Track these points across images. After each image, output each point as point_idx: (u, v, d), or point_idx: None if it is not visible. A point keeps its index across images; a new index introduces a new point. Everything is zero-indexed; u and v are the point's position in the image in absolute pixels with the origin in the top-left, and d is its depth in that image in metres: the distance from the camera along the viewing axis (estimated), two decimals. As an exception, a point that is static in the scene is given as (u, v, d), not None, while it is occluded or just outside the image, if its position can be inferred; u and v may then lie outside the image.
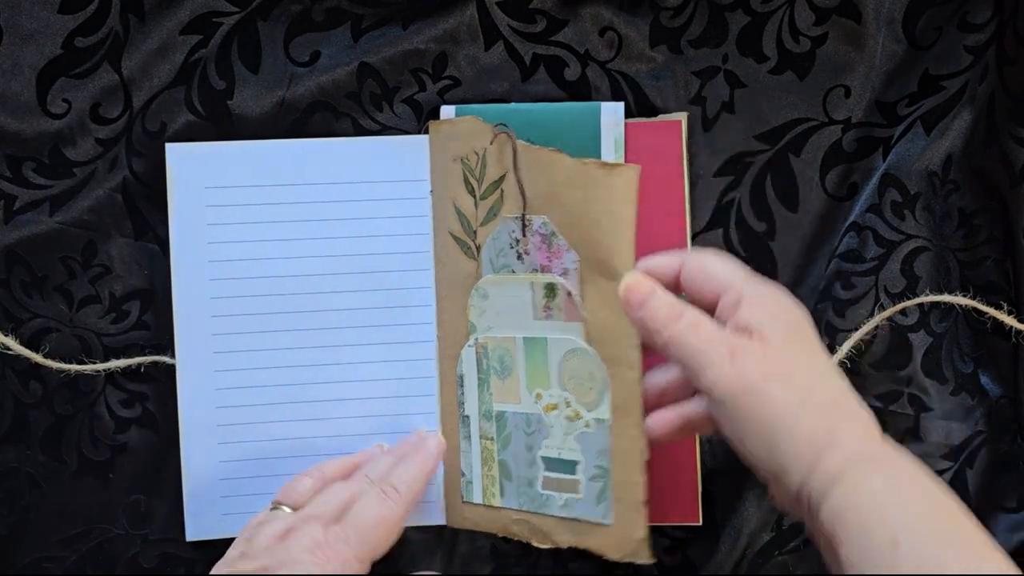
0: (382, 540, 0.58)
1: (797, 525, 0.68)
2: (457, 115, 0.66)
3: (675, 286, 0.55)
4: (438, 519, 0.68)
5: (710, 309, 0.53)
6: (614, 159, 0.65)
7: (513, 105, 0.67)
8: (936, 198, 0.67)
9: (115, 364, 0.67)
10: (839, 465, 0.47)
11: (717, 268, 0.54)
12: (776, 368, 0.49)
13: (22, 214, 0.67)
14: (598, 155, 0.65)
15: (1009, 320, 0.65)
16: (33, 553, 0.68)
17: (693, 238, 0.67)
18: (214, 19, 0.67)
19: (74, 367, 0.67)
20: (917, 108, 0.67)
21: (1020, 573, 0.44)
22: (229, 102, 0.67)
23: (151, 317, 0.68)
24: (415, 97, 0.68)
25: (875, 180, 0.67)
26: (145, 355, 0.68)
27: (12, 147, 0.67)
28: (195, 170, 0.67)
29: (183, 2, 0.67)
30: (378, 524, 0.58)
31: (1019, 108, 0.66)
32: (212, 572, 0.57)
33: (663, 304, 0.54)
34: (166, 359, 0.68)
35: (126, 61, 0.67)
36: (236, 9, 0.67)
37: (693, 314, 0.53)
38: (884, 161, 0.67)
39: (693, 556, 0.69)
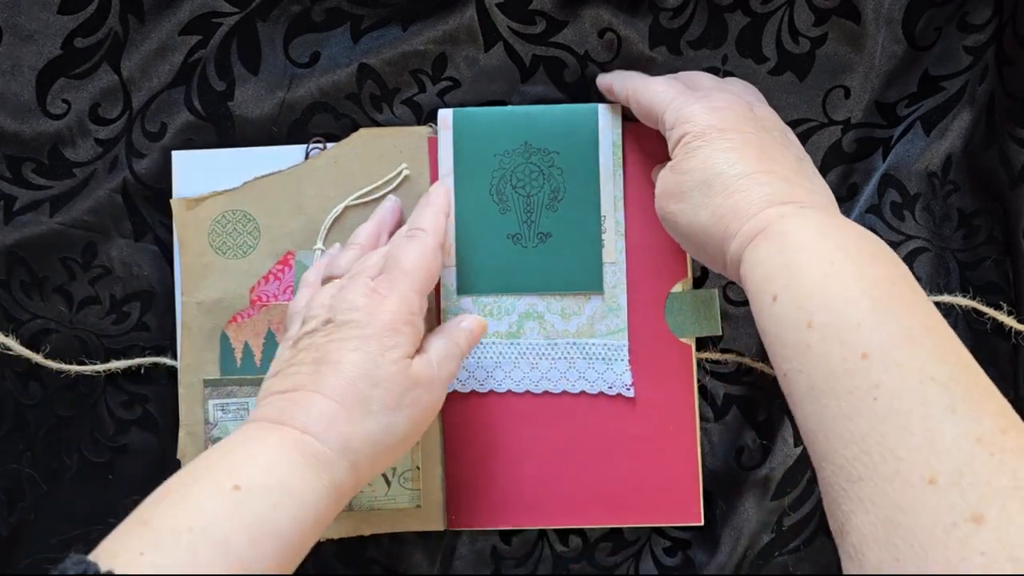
0: (426, 272, 0.58)
1: (797, 525, 0.68)
2: (455, 119, 0.66)
3: None
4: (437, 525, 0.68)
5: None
6: (612, 161, 0.65)
7: (510, 108, 0.67)
8: (936, 199, 0.67)
9: (115, 365, 0.67)
10: (736, 251, 0.53)
11: (646, 95, 0.60)
12: (674, 187, 0.57)
13: (22, 215, 0.67)
14: (596, 158, 0.65)
15: (1009, 321, 0.65)
16: (33, 554, 0.68)
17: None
18: (213, 19, 0.67)
19: (74, 368, 0.67)
20: (917, 109, 0.67)
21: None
22: (230, 103, 0.67)
23: (151, 318, 0.68)
24: (415, 98, 0.68)
25: (875, 181, 0.67)
26: (145, 356, 0.68)
27: (12, 148, 0.67)
28: (200, 177, 0.67)
29: (182, 2, 0.67)
30: (418, 260, 0.57)
31: (1019, 108, 0.66)
32: (280, 349, 0.58)
33: None
34: (166, 360, 0.68)
35: (125, 62, 0.67)
36: (235, 9, 0.67)
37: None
38: (884, 162, 0.67)
39: (694, 557, 0.69)
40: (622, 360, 0.66)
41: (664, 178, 0.58)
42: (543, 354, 0.66)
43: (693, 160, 0.56)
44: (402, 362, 0.55)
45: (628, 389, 0.65)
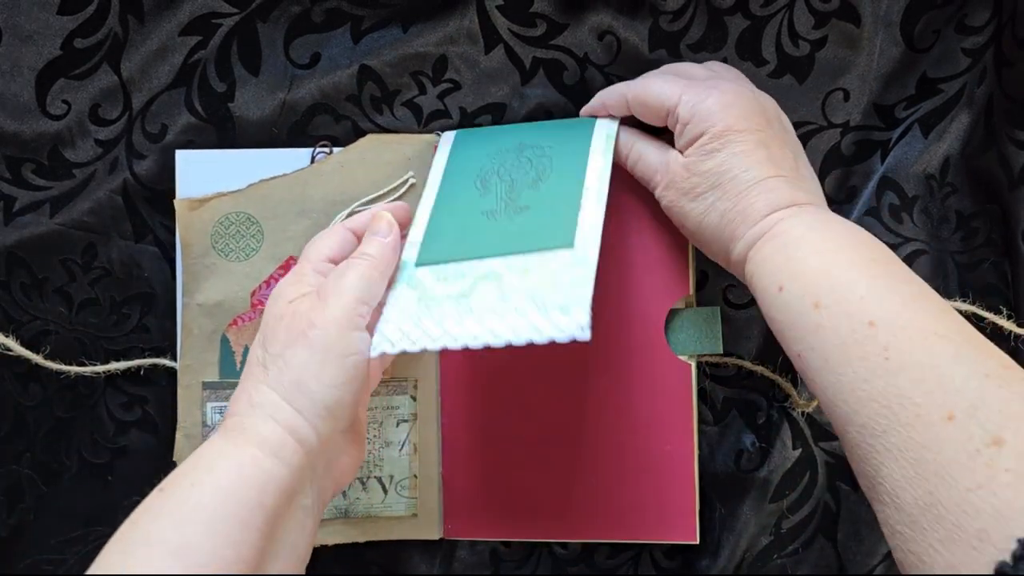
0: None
1: (796, 528, 0.68)
2: (456, 138, 0.67)
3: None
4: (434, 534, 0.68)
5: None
6: (604, 145, 0.62)
7: (515, 124, 0.67)
8: (934, 201, 0.68)
9: (115, 366, 0.67)
10: (741, 252, 0.56)
11: (652, 96, 0.60)
12: (688, 186, 0.58)
13: (22, 215, 0.67)
14: (587, 143, 0.63)
15: (1008, 325, 0.66)
16: (32, 555, 0.69)
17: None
18: (213, 20, 0.67)
19: (74, 369, 0.67)
20: (915, 111, 0.67)
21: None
22: (230, 104, 0.67)
23: (151, 320, 0.68)
24: (415, 100, 0.68)
25: (873, 183, 0.67)
26: (145, 358, 0.68)
27: (12, 148, 0.67)
28: (203, 177, 0.67)
29: (182, 3, 0.67)
30: (365, 277, 0.56)
31: (1017, 110, 0.66)
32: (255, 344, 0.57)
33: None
34: (166, 362, 0.68)
35: (125, 62, 0.67)
36: (235, 10, 0.67)
37: (641, 145, 0.62)
38: (882, 164, 0.67)
39: (692, 560, 0.69)
40: (583, 308, 0.52)
41: (677, 175, 0.59)
42: (494, 310, 0.55)
43: (710, 162, 0.57)
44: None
45: (583, 331, 0.51)
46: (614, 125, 0.64)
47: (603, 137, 0.63)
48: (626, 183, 0.64)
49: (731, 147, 0.57)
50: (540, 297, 0.54)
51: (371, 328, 0.56)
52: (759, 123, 0.58)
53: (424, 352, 0.55)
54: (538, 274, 0.56)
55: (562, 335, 0.52)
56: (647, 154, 0.62)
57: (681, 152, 0.59)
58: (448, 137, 0.66)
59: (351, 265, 0.56)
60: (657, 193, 0.61)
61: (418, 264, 0.59)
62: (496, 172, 0.63)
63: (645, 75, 0.64)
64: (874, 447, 0.46)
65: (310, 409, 0.53)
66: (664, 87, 0.60)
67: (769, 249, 0.55)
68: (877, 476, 0.46)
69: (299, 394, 0.53)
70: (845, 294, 0.50)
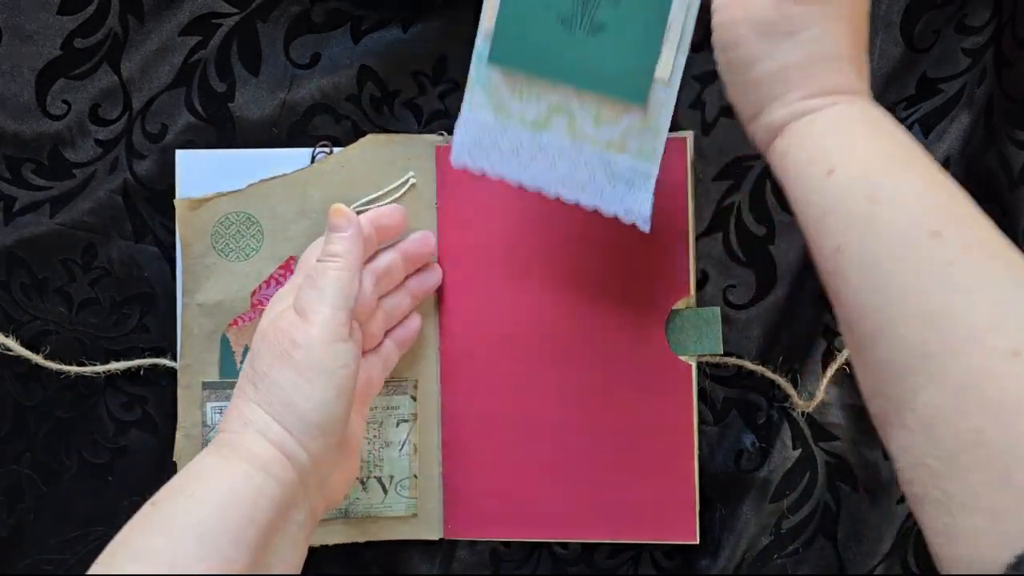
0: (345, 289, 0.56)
1: (796, 528, 0.68)
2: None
3: None
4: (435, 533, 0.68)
5: None
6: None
7: None
8: (934, 201, 0.68)
9: (115, 366, 0.67)
10: (782, 119, 0.50)
11: None
12: (764, 21, 0.50)
13: (22, 215, 0.67)
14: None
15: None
16: (33, 555, 0.69)
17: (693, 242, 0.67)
18: (213, 20, 0.67)
19: (74, 369, 0.67)
20: (915, 111, 0.67)
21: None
22: (230, 104, 0.67)
23: (151, 320, 0.68)
24: (415, 101, 0.68)
25: (874, 183, 0.67)
26: (145, 358, 0.68)
27: (11, 148, 0.67)
28: (204, 177, 0.67)
29: (182, 3, 0.67)
30: (336, 281, 0.56)
31: (1017, 110, 0.66)
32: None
33: None
34: (166, 362, 0.68)
35: (125, 62, 0.67)
36: (235, 10, 0.67)
37: None
38: (883, 164, 0.67)
39: (692, 560, 0.69)
40: (646, 189, 0.56)
41: (764, 5, 0.50)
42: (565, 155, 0.57)
43: (803, 8, 0.49)
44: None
45: (645, 222, 0.56)
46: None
47: None
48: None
49: (831, 5, 0.50)
50: (608, 159, 0.56)
51: (357, 334, 0.56)
52: None
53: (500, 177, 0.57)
54: (608, 127, 0.56)
55: (627, 216, 0.57)
56: None
57: None
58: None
59: (321, 271, 0.56)
60: (726, 24, 0.52)
61: (491, 60, 0.57)
62: None
63: None
64: (913, 367, 0.42)
65: (300, 428, 0.53)
66: None
67: (821, 126, 0.49)
68: (912, 400, 0.42)
69: (288, 414, 0.53)
70: (910, 195, 0.45)
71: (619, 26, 0.55)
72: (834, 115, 0.49)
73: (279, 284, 0.66)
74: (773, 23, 0.50)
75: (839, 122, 0.49)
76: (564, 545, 0.69)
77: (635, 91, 0.55)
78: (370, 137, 0.67)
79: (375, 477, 0.67)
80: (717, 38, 0.52)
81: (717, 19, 0.52)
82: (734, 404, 0.69)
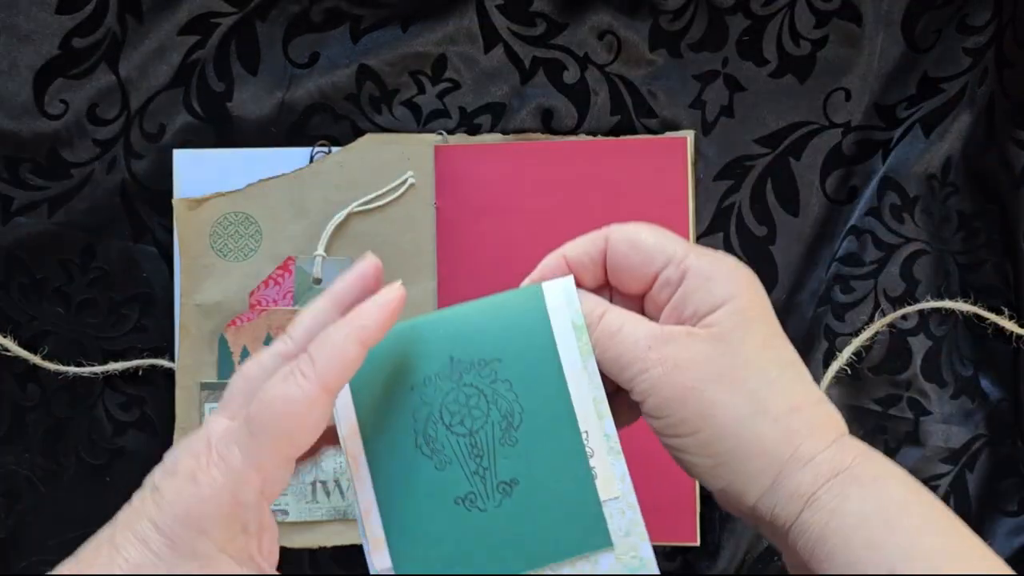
0: (289, 428, 0.40)
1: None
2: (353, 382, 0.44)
3: (601, 273, 0.46)
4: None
5: (643, 294, 0.46)
6: (578, 350, 0.45)
7: (419, 319, 0.46)
8: (935, 201, 0.67)
9: (113, 367, 0.67)
10: (809, 483, 0.41)
11: (650, 240, 0.44)
12: (721, 367, 0.42)
13: (20, 216, 0.67)
14: (554, 352, 0.45)
15: (1010, 325, 0.65)
16: (30, 556, 0.68)
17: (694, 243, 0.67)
18: (212, 20, 0.67)
19: (72, 369, 0.67)
20: (916, 111, 0.67)
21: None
22: (228, 104, 0.67)
23: (149, 320, 0.68)
24: (414, 100, 0.67)
25: (874, 183, 0.67)
26: (143, 358, 0.68)
27: (9, 148, 0.67)
28: (202, 177, 0.67)
29: (181, 2, 0.67)
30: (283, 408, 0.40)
31: (1018, 110, 0.66)
32: None
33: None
34: (164, 362, 0.67)
35: (124, 62, 0.67)
36: (234, 10, 0.67)
37: (614, 315, 0.44)
38: (884, 164, 0.67)
39: (693, 561, 0.69)
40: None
41: (697, 351, 0.42)
42: None
43: (747, 332, 0.43)
44: None
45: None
46: (575, 305, 0.45)
47: (569, 332, 0.45)
48: (622, 183, 0.64)
49: (767, 321, 0.44)
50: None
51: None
52: (770, 308, 0.45)
53: None
54: None
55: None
56: (629, 324, 0.44)
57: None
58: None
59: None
60: (648, 379, 0.43)
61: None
62: (439, 419, 0.45)
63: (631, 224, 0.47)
64: None
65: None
66: (661, 236, 0.45)
67: (858, 499, 0.41)
68: None
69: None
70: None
71: (531, 470, 0.44)
72: (868, 479, 0.41)
73: (278, 285, 0.66)
74: (729, 365, 0.42)
75: (877, 491, 0.41)
76: (564, 546, 0.69)
77: (591, 533, 0.44)
78: (368, 137, 0.67)
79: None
80: (653, 406, 0.43)
81: (652, 405, 0.43)
82: (734, 405, 0.68)
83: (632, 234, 0.45)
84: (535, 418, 0.44)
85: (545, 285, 0.46)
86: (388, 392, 0.45)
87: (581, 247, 0.46)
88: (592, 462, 0.44)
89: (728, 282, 0.43)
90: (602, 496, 0.44)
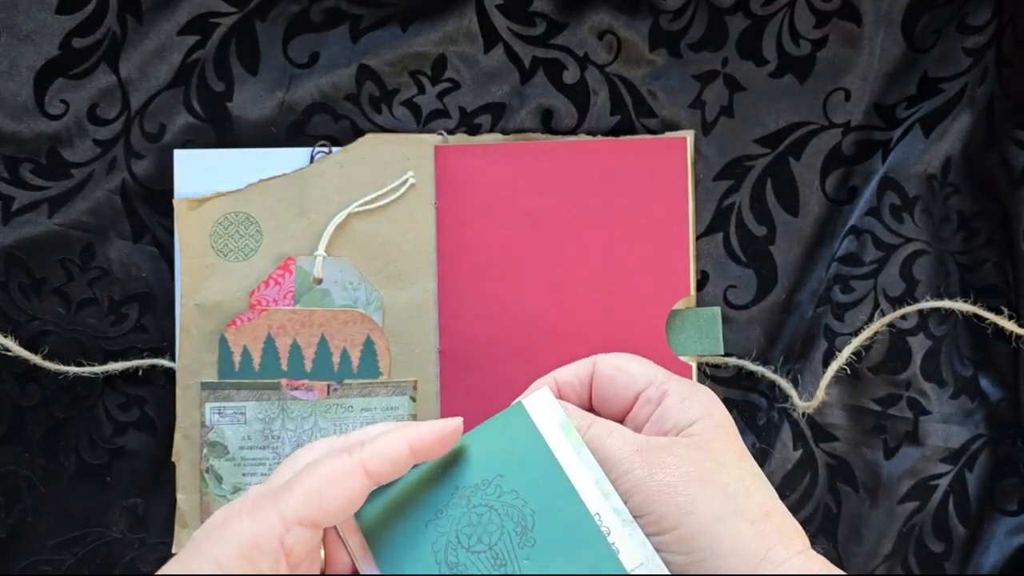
0: (321, 489, 0.43)
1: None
2: (366, 519, 0.48)
3: (587, 395, 0.51)
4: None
5: (623, 418, 0.50)
6: (570, 446, 0.48)
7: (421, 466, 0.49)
8: (935, 201, 0.67)
9: (113, 367, 0.67)
10: None
11: (634, 366, 0.50)
12: (702, 469, 0.46)
13: (20, 215, 0.67)
14: (549, 454, 0.48)
15: (1010, 325, 0.65)
16: (30, 556, 0.68)
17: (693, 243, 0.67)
18: (212, 19, 0.67)
19: (72, 369, 0.67)
20: (916, 111, 0.67)
21: None
22: (228, 104, 0.67)
23: (150, 320, 0.68)
24: (414, 100, 0.68)
25: (874, 183, 0.67)
26: (143, 358, 0.68)
27: (9, 148, 0.67)
28: (203, 177, 0.67)
29: (181, 2, 0.67)
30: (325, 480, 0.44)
31: (1018, 110, 0.66)
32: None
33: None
34: (165, 362, 0.67)
35: (124, 62, 0.67)
36: (234, 9, 0.67)
37: (602, 425, 0.48)
38: (883, 164, 0.67)
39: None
40: None
41: (679, 455, 0.46)
42: None
43: (725, 443, 0.47)
44: None
45: None
46: (557, 409, 0.49)
47: (559, 433, 0.49)
48: (623, 183, 0.64)
49: (731, 444, 0.48)
50: None
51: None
52: (737, 432, 0.50)
53: None
54: None
55: None
56: (617, 432, 0.48)
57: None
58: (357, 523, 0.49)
59: None
60: (633, 479, 0.46)
61: None
62: (458, 543, 0.47)
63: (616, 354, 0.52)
64: None
65: None
66: (644, 363, 0.51)
67: None
68: None
69: None
70: None
71: (553, 560, 0.46)
72: None
73: (278, 285, 0.66)
74: (713, 470, 0.46)
75: None
76: (564, 546, 0.69)
77: None
78: (368, 137, 0.67)
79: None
80: (637, 504, 0.46)
81: (629, 484, 0.46)
82: (734, 404, 0.68)
83: (619, 359, 0.51)
84: (547, 516, 0.47)
85: (525, 400, 0.50)
86: (405, 534, 0.48)
87: (571, 371, 0.51)
88: (611, 539, 0.46)
89: (705, 401, 0.48)
90: (628, 567, 0.46)
